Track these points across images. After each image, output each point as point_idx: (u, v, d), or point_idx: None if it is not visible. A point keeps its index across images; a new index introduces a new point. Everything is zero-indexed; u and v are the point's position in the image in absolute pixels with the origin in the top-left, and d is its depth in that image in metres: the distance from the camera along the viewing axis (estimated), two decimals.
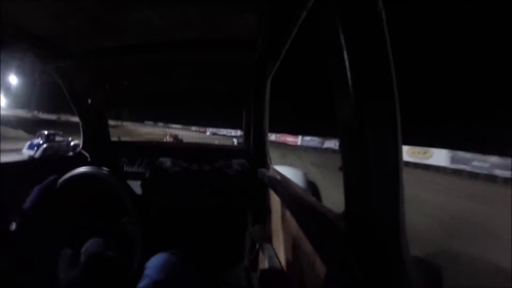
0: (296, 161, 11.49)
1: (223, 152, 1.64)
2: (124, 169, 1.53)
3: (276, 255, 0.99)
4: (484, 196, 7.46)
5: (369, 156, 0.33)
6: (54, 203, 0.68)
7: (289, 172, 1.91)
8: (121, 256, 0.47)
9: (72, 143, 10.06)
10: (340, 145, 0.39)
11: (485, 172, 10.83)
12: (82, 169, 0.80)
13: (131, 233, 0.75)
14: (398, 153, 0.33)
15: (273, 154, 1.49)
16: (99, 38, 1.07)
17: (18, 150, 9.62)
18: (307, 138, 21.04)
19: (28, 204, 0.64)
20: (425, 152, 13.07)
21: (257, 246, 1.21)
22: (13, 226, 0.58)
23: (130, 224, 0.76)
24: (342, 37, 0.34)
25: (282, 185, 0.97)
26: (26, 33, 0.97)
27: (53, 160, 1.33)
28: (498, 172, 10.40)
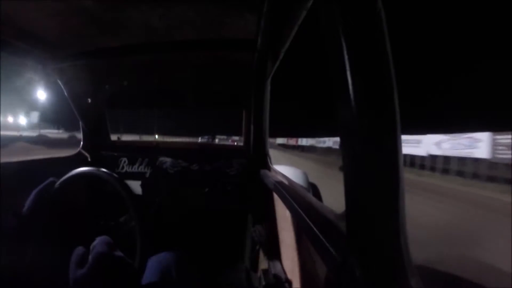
0: None
1: (223, 152, 1.64)
2: (124, 169, 1.53)
3: (277, 255, 0.99)
4: None
5: (369, 156, 0.33)
6: (51, 206, 0.70)
7: (290, 172, 1.91)
8: (127, 257, 0.47)
9: None
10: (340, 145, 0.39)
11: None
12: (78, 170, 0.80)
13: (133, 231, 0.75)
14: (398, 153, 0.33)
15: None
16: (99, 38, 1.07)
17: None
18: None
19: (25, 208, 0.65)
20: None
21: (258, 246, 1.21)
22: (11, 226, 0.59)
23: (132, 221, 0.76)
24: (342, 37, 0.34)
25: (282, 185, 0.97)
26: (26, 33, 0.97)
27: (52, 160, 1.33)
28: None
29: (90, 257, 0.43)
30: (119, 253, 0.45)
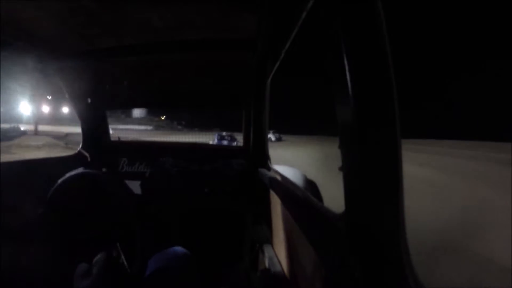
0: None
1: (223, 152, 1.64)
2: (124, 169, 1.53)
3: (276, 255, 0.99)
4: None
5: (369, 156, 0.33)
6: (52, 210, 0.69)
7: (289, 172, 1.90)
8: (128, 258, 0.49)
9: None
10: (340, 145, 0.39)
11: None
12: (75, 172, 0.79)
13: (134, 232, 0.75)
14: (398, 153, 0.33)
15: None
16: (99, 38, 1.07)
17: None
18: None
19: (55, 191, 0.66)
20: None
21: (257, 246, 1.21)
22: (39, 212, 0.59)
23: (132, 222, 0.76)
24: (342, 37, 0.34)
25: (282, 185, 0.97)
26: (26, 33, 0.97)
27: (52, 160, 1.33)
28: None
29: (94, 269, 0.45)
30: (121, 265, 0.47)
